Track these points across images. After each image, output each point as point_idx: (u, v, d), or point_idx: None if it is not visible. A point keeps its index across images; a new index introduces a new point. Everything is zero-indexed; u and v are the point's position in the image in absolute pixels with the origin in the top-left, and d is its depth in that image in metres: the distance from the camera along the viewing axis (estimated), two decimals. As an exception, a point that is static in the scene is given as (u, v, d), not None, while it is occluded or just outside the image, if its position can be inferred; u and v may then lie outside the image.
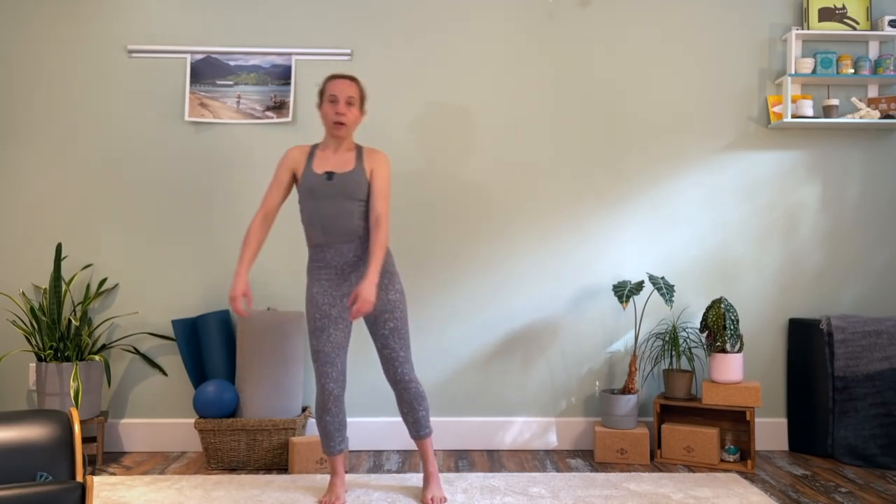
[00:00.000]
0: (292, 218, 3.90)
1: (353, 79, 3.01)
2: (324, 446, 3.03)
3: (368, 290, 2.79)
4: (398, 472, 3.49)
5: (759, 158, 3.98)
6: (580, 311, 3.94)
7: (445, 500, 3.03)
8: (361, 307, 2.77)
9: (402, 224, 3.90)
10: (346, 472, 3.48)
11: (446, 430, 3.90)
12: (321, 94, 3.00)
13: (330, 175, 2.95)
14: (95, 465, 3.61)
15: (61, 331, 3.65)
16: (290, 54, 3.90)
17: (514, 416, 3.93)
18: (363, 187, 2.95)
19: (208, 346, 3.68)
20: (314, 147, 3.05)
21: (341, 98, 2.95)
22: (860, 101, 3.91)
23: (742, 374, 3.60)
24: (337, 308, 2.96)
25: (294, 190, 3.60)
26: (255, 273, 3.89)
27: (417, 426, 3.05)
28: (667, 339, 3.83)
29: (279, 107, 3.89)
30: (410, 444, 3.89)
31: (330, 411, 2.96)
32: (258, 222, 3.00)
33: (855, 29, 3.92)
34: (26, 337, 3.67)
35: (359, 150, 3.03)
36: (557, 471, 3.51)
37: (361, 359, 3.91)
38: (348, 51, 3.91)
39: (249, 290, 2.92)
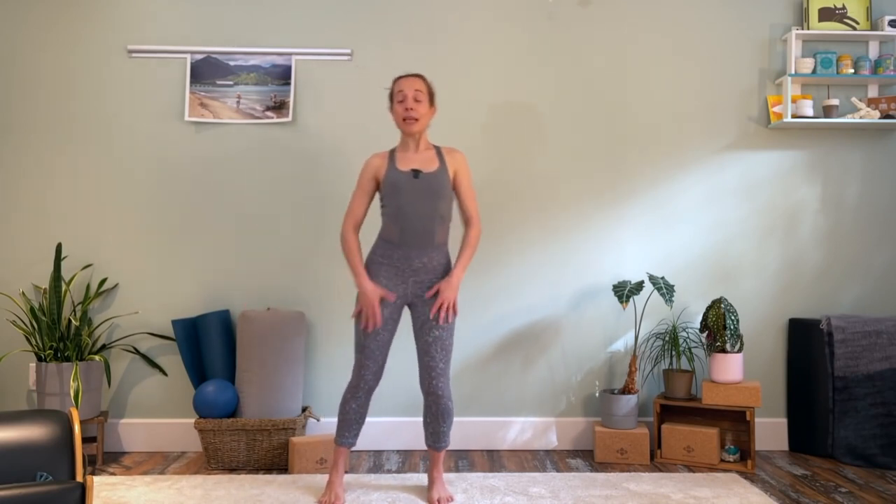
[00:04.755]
0: (292, 217, 3.90)
1: (419, 76, 3.05)
2: (337, 435, 3.06)
3: (452, 285, 2.95)
4: (398, 472, 3.48)
5: (759, 158, 3.98)
6: (580, 311, 3.94)
7: (452, 499, 3.04)
8: (445, 300, 2.93)
9: (402, 224, 3.90)
10: (346, 471, 3.48)
11: (446, 430, 3.90)
12: (391, 97, 3.04)
13: (417, 173, 2.97)
14: (95, 465, 3.61)
15: (61, 331, 3.65)
16: (290, 54, 3.90)
17: (514, 416, 3.93)
18: (448, 187, 3.00)
19: (208, 346, 3.68)
20: (393, 150, 3.08)
21: (409, 94, 2.98)
22: (860, 101, 3.91)
23: (742, 374, 3.60)
24: (389, 309, 2.99)
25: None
26: (255, 273, 3.90)
27: (436, 438, 3.07)
28: (667, 339, 3.83)
29: (279, 107, 3.89)
30: (410, 444, 3.89)
31: (359, 399, 3.01)
32: (351, 232, 3.05)
33: (855, 29, 3.92)
34: (26, 337, 3.67)
35: (438, 149, 3.07)
36: (557, 471, 3.51)
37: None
38: (348, 51, 3.91)
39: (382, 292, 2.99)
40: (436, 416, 3.03)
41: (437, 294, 2.99)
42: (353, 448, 3.88)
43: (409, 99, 2.97)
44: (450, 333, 3.00)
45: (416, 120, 2.98)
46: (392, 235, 2.99)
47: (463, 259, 3.01)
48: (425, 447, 3.86)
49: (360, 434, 3.87)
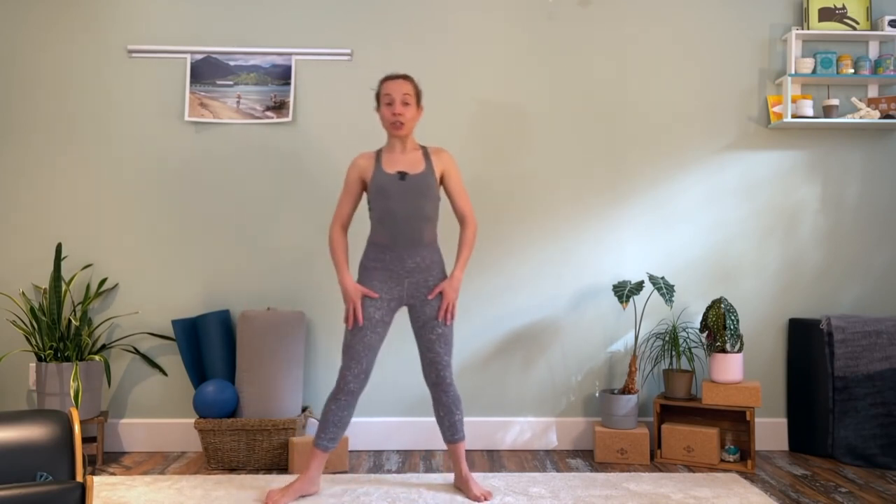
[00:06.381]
0: (292, 217, 3.90)
1: (406, 77, 3.04)
2: (315, 436, 3.04)
3: (454, 286, 3.00)
4: (398, 472, 3.49)
5: (759, 158, 3.98)
6: (580, 311, 3.94)
7: (490, 493, 3.06)
8: (449, 301, 2.98)
9: (402, 224, 3.90)
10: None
11: (446, 430, 3.90)
12: (378, 97, 3.04)
13: (403, 175, 2.98)
14: (95, 465, 3.61)
15: (61, 331, 3.65)
16: (290, 54, 3.90)
17: (514, 416, 3.93)
18: (434, 188, 3.01)
19: (208, 346, 3.68)
20: (379, 151, 3.09)
21: (397, 98, 2.97)
22: (860, 101, 3.91)
23: (742, 374, 3.60)
24: (381, 312, 2.99)
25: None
26: (255, 273, 3.90)
27: (453, 430, 3.08)
28: (667, 339, 3.83)
29: (279, 107, 3.89)
30: (410, 445, 3.89)
31: (339, 401, 2.99)
32: (339, 232, 3.07)
33: (855, 29, 3.92)
34: (26, 337, 3.67)
35: (424, 150, 3.08)
36: (557, 471, 3.51)
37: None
38: (348, 51, 3.91)
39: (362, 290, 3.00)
40: (448, 407, 3.05)
41: (440, 295, 3.01)
42: (352, 448, 3.88)
43: (397, 103, 2.97)
44: (451, 328, 3.05)
45: (404, 125, 2.99)
46: (382, 238, 3.00)
47: (462, 259, 3.05)
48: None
49: (360, 434, 3.87)
